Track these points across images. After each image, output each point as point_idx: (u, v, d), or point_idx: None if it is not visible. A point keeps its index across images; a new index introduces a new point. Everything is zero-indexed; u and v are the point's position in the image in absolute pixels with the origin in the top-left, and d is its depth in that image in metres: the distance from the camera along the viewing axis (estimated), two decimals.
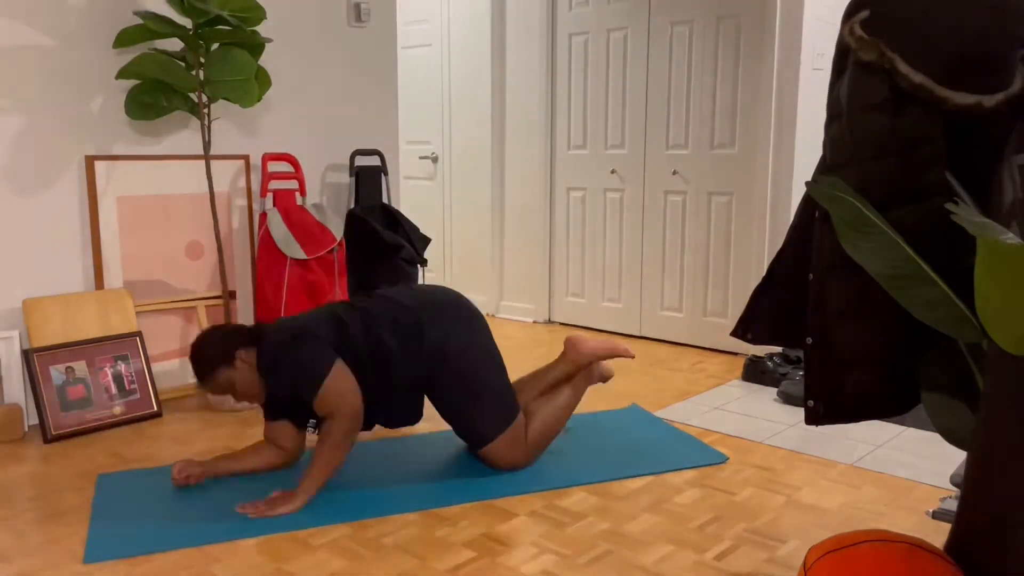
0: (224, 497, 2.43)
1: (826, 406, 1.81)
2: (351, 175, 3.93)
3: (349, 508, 2.35)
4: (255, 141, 3.69)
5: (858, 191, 1.68)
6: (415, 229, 3.97)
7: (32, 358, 2.96)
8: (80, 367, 3.07)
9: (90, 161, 3.19)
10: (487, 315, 5.26)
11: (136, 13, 2.97)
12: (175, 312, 3.48)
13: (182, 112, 3.40)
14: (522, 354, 4.23)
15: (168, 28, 2.96)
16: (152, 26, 2.94)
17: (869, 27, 1.65)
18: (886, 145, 1.66)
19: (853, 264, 1.69)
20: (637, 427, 3.06)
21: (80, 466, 2.70)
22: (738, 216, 4.14)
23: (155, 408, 3.19)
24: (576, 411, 3.23)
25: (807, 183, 1.73)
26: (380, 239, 3.78)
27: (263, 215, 3.56)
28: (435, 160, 5.44)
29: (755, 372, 3.70)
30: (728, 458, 2.76)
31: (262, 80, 3.25)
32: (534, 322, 5.05)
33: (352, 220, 3.83)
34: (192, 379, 3.54)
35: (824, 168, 1.80)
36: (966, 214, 1.34)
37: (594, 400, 3.41)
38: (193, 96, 3.15)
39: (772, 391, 3.58)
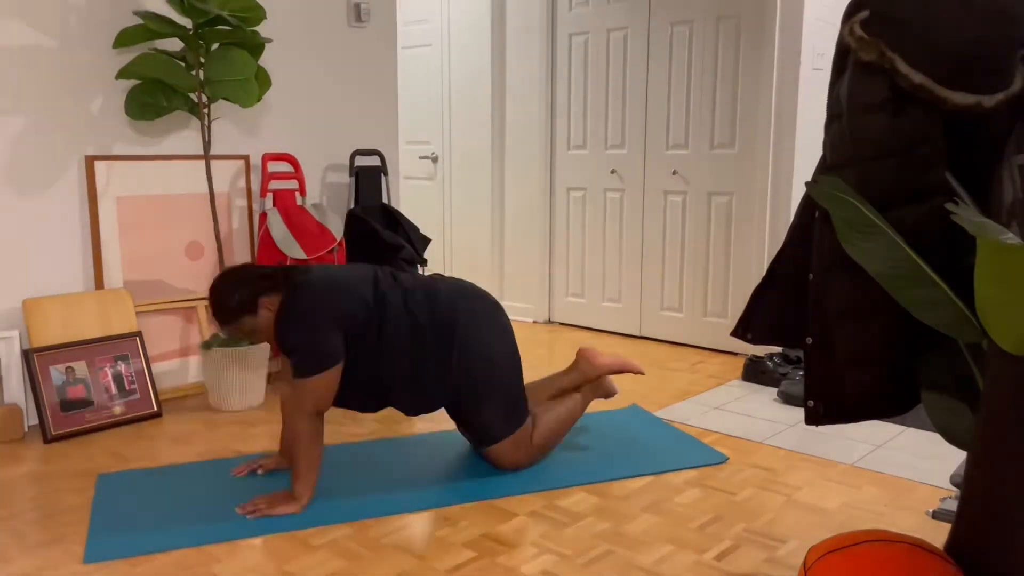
0: (224, 497, 2.43)
1: (826, 406, 1.81)
2: (351, 175, 3.93)
3: (349, 508, 2.35)
4: (255, 141, 3.69)
5: (858, 191, 1.68)
6: (415, 229, 3.97)
7: (32, 358, 2.96)
8: (80, 367, 3.07)
9: (90, 161, 3.19)
10: None
11: (136, 13, 2.97)
12: (175, 312, 3.48)
13: (182, 112, 3.40)
14: (522, 354, 4.23)
15: (168, 28, 2.96)
16: (152, 26, 2.94)
17: (869, 27, 1.65)
18: (886, 145, 1.66)
19: (853, 264, 1.69)
20: (637, 427, 3.06)
21: (80, 466, 2.70)
22: (738, 216, 4.14)
23: (155, 408, 3.19)
24: None
25: (807, 183, 1.73)
26: (380, 239, 3.78)
27: (263, 215, 3.56)
28: (435, 160, 5.44)
29: (755, 372, 3.70)
30: (728, 458, 2.76)
31: (262, 80, 3.25)
32: (534, 322, 5.05)
33: (352, 220, 3.83)
34: (192, 379, 3.54)
35: (824, 168, 1.80)
36: (966, 214, 1.34)
37: (595, 401, 3.40)
38: (193, 96, 3.15)
39: (772, 391, 3.58)
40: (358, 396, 2.48)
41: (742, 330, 2.05)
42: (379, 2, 4.06)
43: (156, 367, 3.41)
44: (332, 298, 2.34)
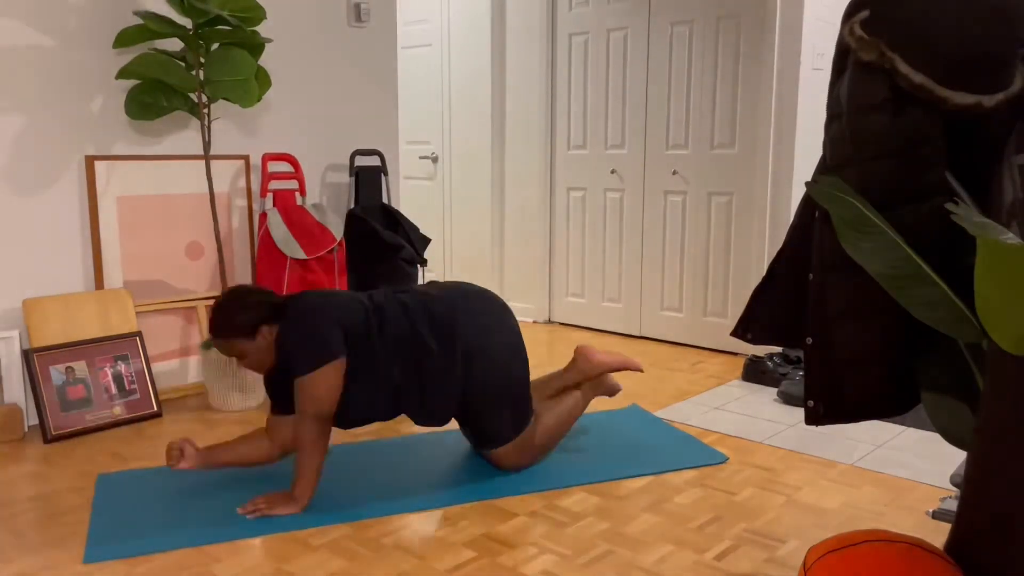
0: (224, 497, 2.43)
1: (826, 406, 1.81)
2: (351, 175, 3.93)
3: (349, 508, 2.35)
4: (255, 141, 3.69)
5: (858, 191, 1.68)
6: (415, 229, 3.97)
7: (32, 358, 2.96)
8: (80, 367, 3.07)
9: (90, 161, 3.19)
10: None
11: (136, 13, 2.97)
12: (175, 312, 3.48)
13: (182, 112, 3.40)
14: None
15: (168, 28, 2.96)
16: (152, 26, 2.94)
17: (869, 27, 1.65)
18: (886, 145, 1.66)
19: (853, 264, 1.69)
20: (637, 427, 3.06)
21: (80, 466, 2.70)
22: (738, 216, 4.14)
23: (155, 408, 3.19)
24: None
25: (807, 183, 1.73)
26: (380, 239, 3.78)
27: (263, 215, 3.56)
28: (435, 160, 5.44)
29: (755, 372, 3.70)
30: (728, 458, 2.76)
31: (262, 80, 3.25)
32: (534, 322, 5.05)
33: (352, 220, 3.83)
34: (192, 379, 3.54)
35: (824, 168, 1.80)
36: (966, 214, 1.34)
37: (594, 400, 3.41)
38: (193, 96, 3.15)
39: (772, 391, 3.58)
40: (367, 407, 2.43)
41: (742, 330, 2.05)
42: (379, 2, 4.06)
43: (156, 367, 3.41)
44: (329, 305, 2.35)
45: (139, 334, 3.22)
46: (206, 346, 3.25)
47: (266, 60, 3.67)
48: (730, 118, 4.11)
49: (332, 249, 3.63)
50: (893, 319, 1.72)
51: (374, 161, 4.14)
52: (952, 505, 2.35)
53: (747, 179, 4.09)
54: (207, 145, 3.20)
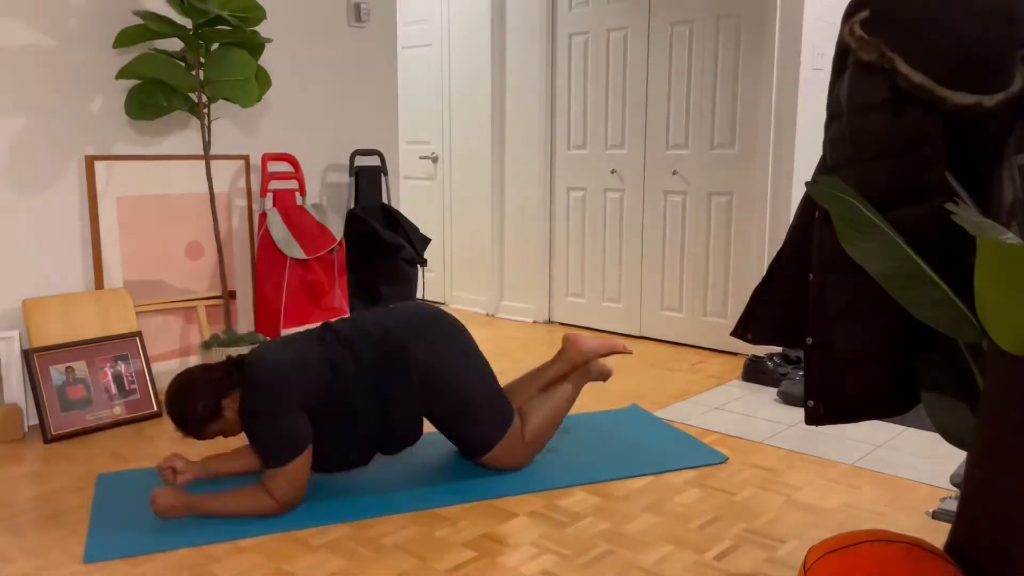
0: None
1: (826, 406, 1.81)
2: (351, 175, 3.93)
3: (349, 508, 2.35)
4: (255, 141, 3.69)
5: (858, 191, 1.68)
6: (415, 229, 3.97)
7: (32, 358, 2.96)
8: (80, 367, 3.07)
9: (90, 161, 3.19)
10: (487, 315, 5.27)
11: (136, 13, 2.97)
12: (175, 312, 3.48)
13: (182, 112, 3.40)
14: (522, 354, 4.23)
15: (168, 28, 2.96)
16: (152, 26, 2.94)
17: (869, 27, 1.65)
18: (886, 145, 1.66)
19: (853, 264, 1.69)
20: (637, 427, 3.06)
21: (80, 466, 2.70)
22: (738, 216, 4.14)
23: (155, 408, 3.19)
24: (575, 411, 3.24)
25: (807, 183, 1.73)
26: (380, 239, 3.78)
27: (263, 215, 3.56)
28: (435, 160, 5.44)
29: (755, 372, 3.70)
30: (728, 458, 2.76)
31: (262, 80, 3.25)
32: (534, 322, 5.05)
33: (352, 220, 3.83)
34: None
35: (824, 168, 1.80)
36: (966, 214, 1.34)
37: (594, 400, 3.41)
38: (193, 96, 3.15)
39: (772, 391, 3.58)
40: (343, 461, 2.45)
41: (742, 330, 2.05)
42: (379, 2, 4.06)
43: (156, 367, 3.41)
44: (288, 381, 2.28)
45: (139, 334, 3.22)
46: (206, 346, 3.24)
47: (266, 60, 3.67)
48: (730, 118, 4.11)
49: (332, 249, 3.63)
50: (893, 319, 1.72)
51: (374, 161, 4.14)
52: (952, 505, 2.35)
53: (747, 179, 4.09)
54: (207, 145, 3.20)
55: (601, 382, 3.05)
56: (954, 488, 2.51)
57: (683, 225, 4.37)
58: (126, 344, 3.18)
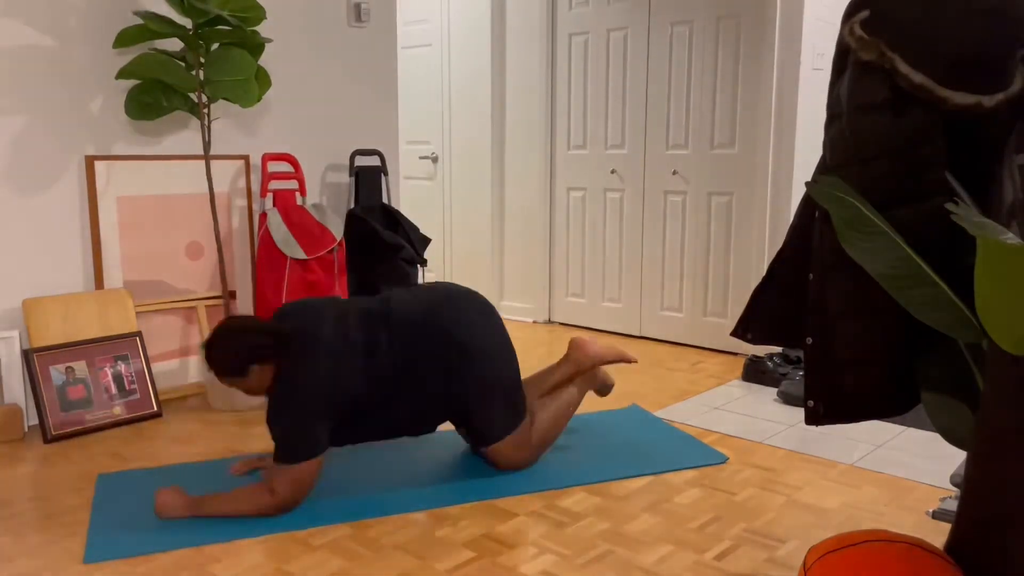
0: None
1: (826, 406, 1.81)
2: (351, 175, 3.93)
3: (349, 508, 2.35)
4: (255, 141, 3.69)
5: (858, 191, 1.68)
6: (415, 229, 3.97)
7: (32, 358, 2.96)
8: (80, 367, 3.07)
9: (90, 161, 3.19)
10: None
11: (136, 13, 2.97)
12: (175, 312, 3.48)
13: (182, 112, 3.40)
14: (522, 354, 4.23)
15: (168, 28, 2.96)
16: (152, 26, 2.94)
17: (869, 27, 1.65)
18: (886, 145, 1.66)
19: (853, 264, 1.69)
20: (637, 427, 3.06)
21: (80, 466, 2.70)
22: (738, 216, 4.14)
23: (155, 408, 3.19)
24: (576, 411, 3.23)
25: (807, 183, 1.73)
26: (380, 239, 3.78)
27: (263, 215, 3.56)
28: (435, 160, 5.44)
29: (755, 372, 3.70)
30: (728, 458, 2.76)
31: (262, 80, 3.25)
32: (534, 322, 5.05)
33: (352, 220, 3.83)
34: (192, 379, 3.54)
35: (824, 168, 1.80)
36: (966, 214, 1.34)
37: (594, 400, 3.41)
38: (193, 96, 3.15)
39: (772, 391, 3.58)
40: (365, 436, 2.48)
41: (742, 330, 2.05)
42: (379, 2, 4.06)
43: (156, 367, 3.41)
44: (324, 390, 2.29)
45: (139, 334, 3.22)
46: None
47: (266, 60, 3.67)
48: (730, 118, 4.11)
49: (332, 249, 3.62)
50: (893, 319, 1.72)
51: (374, 161, 4.14)
52: (952, 505, 2.35)
53: (747, 179, 4.09)
54: (207, 145, 3.20)
55: (600, 397, 3.04)
56: (954, 488, 2.51)
57: (683, 225, 4.37)
58: (126, 344, 3.18)
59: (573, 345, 2.80)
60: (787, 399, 3.39)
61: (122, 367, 3.16)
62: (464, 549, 2.13)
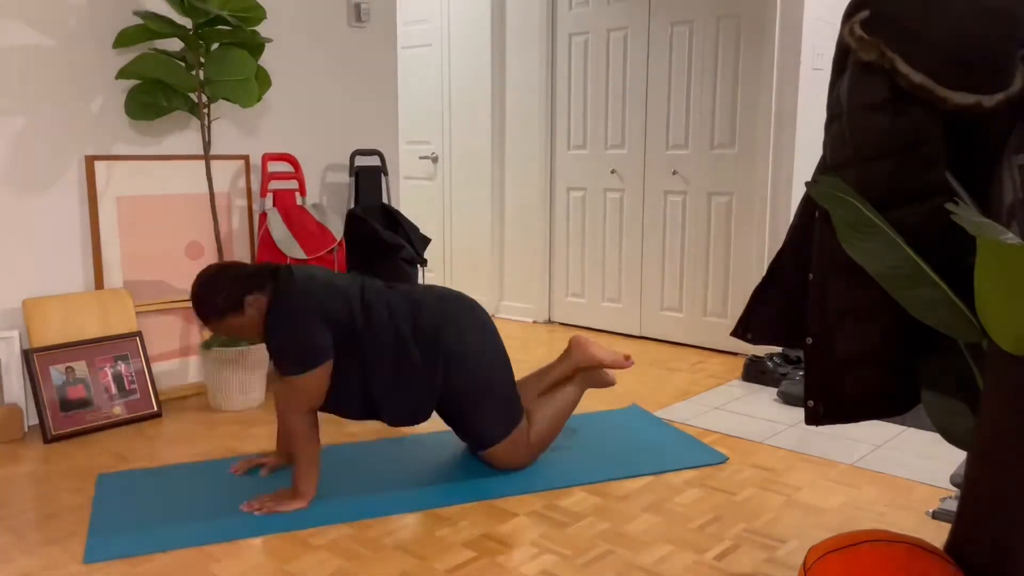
0: (224, 497, 2.43)
1: (826, 406, 1.81)
2: (351, 175, 3.93)
3: (349, 508, 2.35)
4: (255, 141, 3.69)
5: (858, 191, 1.68)
6: (415, 229, 3.97)
7: (32, 358, 2.96)
8: (80, 367, 3.07)
9: (90, 161, 3.19)
10: None
11: (136, 13, 2.97)
12: (175, 312, 3.48)
13: (182, 112, 3.40)
14: (522, 354, 4.23)
15: (168, 28, 2.96)
16: (152, 26, 2.94)
17: (869, 27, 1.66)
18: (886, 145, 1.66)
19: (853, 264, 1.69)
20: (637, 427, 3.06)
21: (80, 466, 2.70)
22: (738, 216, 4.14)
23: (155, 408, 3.19)
24: (576, 411, 3.23)
25: (807, 183, 1.73)
26: (380, 239, 3.78)
27: (263, 215, 3.56)
28: (435, 160, 5.44)
29: (755, 372, 3.70)
30: (728, 458, 2.76)
31: (262, 80, 3.25)
32: (534, 322, 5.05)
33: (352, 220, 3.83)
34: (192, 379, 3.54)
35: (824, 168, 1.80)
36: (966, 214, 1.34)
37: (594, 400, 3.41)
38: (193, 96, 3.15)
39: (772, 391, 3.58)
40: (341, 401, 2.44)
41: (742, 330, 2.05)
42: (379, 2, 4.06)
43: (156, 367, 3.41)
44: (318, 296, 2.32)
45: (139, 334, 3.22)
46: (206, 346, 3.25)
47: (266, 60, 3.67)
48: (730, 118, 4.11)
49: (332, 249, 3.63)
50: (893, 319, 1.72)
51: (374, 161, 4.15)
52: (952, 505, 2.35)
53: (747, 179, 4.09)
54: (207, 145, 3.20)
55: (600, 388, 3.05)
56: (954, 488, 2.51)
57: (683, 225, 4.37)
58: (126, 344, 3.18)
59: (574, 344, 2.80)
60: (787, 399, 3.39)
61: (122, 367, 3.16)
62: (464, 549, 2.13)
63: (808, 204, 1.91)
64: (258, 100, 3.13)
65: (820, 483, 2.56)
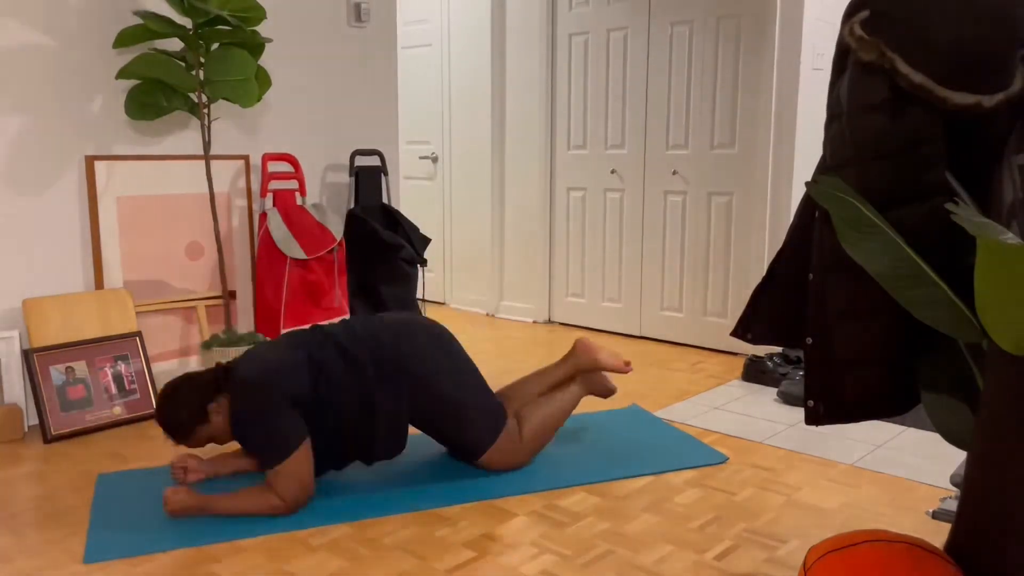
0: None
1: (826, 406, 1.82)
2: (351, 175, 3.93)
3: (349, 508, 2.35)
4: (255, 141, 3.69)
5: (858, 191, 1.68)
6: (415, 229, 3.97)
7: (32, 358, 2.96)
8: (80, 367, 3.07)
9: (90, 161, 3.19)
10: (487, 315, 5.27)
11: (136, 13, 2.97)
12: (175, 312, 3.48)
13: (182, 112, 3.40)
14: (522, 354, 4.23)
15: (168, 28, 2.96)
16: (152, 26, 2.94)
17: (869, 27, 1.66)
18: (886, 145, 1.66)
19: (853, 264, 1.69)
20: (637, 427, 3.06)
21: (80, 466, 2.70)
22: (738, 216, 4.14)
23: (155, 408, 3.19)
24: (576, 411, 3.23)
25: (807, 183, 1.73)
26: (380, 239, 3.78)
27: (263, 215, 3.56)
28: (435, 160, 5.44)
29: (755, 372, 3.70)
30: (728, 458, 2.76)
31: (262, 80, 3.25)
32: (534, 322, 5.05)
33: (352, 220, 3.83)
34: None
35: (824, 168, 1.80)
36: (966, 214, 1.34)
37: (594, 400, 3.41)
38: (193, 96, 3.15)
39: (772, 391, 3.58)
40: (324, 463, 2.44)
41: (742, 330, 2.05)
42: (379, 2, 4.06)
43: (156, 367, 3.41)
44: (272, 380, 2.27)
45: (139, 334, 3.22)
46: (206, 346, 3.25)
47: (266, 60, 3.67)
48: (730, 118, 4.11)
49: (332, 249, 3.63)
50: (893, 319, 1.72)
51: (374, 161, 4.15)
52: (952, 505, 2.35)
53: (747, 179, 4.09)
54: (207, 145, 3.20)
55: (601, 398, 3.04)
56: (954, 488, 2.51)
57: (683, 225, 4.37)
58: (126, 344, 3.18)
59: (579, 345, 2.82)
60: (787, 399, 3.39)
61: (122, 367, 3.16)
62: (464, 549, 2.13)
63: (808, 204, 1.91)
64: (258, 100, 3.13)
65: (820, 483, 2.56)
